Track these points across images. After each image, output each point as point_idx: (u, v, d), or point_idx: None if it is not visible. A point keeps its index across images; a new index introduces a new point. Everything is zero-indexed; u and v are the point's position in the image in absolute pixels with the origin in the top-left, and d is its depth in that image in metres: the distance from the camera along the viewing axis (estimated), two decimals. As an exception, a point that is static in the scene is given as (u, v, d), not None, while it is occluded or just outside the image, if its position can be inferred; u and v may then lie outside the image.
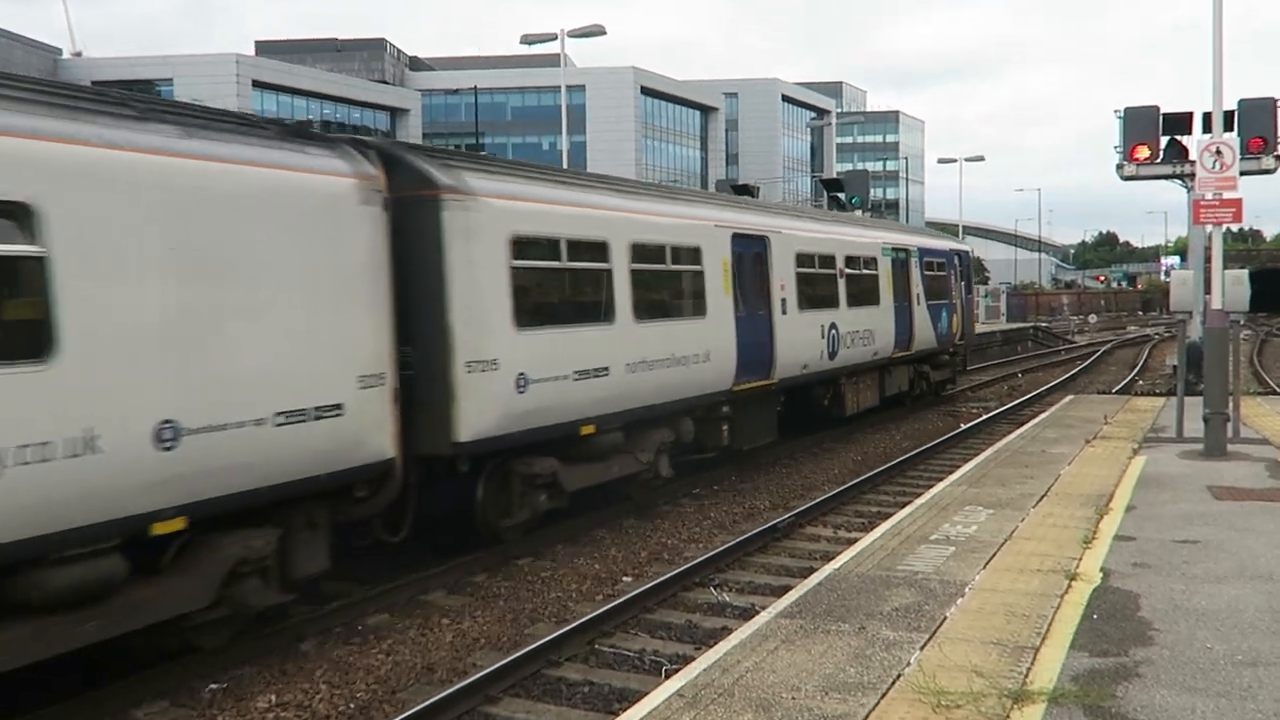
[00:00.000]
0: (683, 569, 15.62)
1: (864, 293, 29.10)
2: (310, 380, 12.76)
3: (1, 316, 10.24)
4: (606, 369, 17.63)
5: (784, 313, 24.21)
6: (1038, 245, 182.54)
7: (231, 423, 11.80)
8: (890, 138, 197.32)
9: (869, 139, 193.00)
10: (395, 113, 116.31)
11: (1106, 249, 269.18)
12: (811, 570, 15.61)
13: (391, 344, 13.96)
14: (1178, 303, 28.31)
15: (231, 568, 12.19)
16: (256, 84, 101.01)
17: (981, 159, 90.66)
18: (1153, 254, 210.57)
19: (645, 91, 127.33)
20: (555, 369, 16.52)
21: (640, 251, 19.03)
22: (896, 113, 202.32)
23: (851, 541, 17.04)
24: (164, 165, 11.43)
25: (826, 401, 27.89)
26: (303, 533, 13.21)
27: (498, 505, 16.68)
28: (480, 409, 15.16)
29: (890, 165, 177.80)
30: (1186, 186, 31.18)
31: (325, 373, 12.96)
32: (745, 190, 29.10)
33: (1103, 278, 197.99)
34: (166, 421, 11.17)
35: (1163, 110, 31.71)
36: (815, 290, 26.05)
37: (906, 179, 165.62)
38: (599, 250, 17.96)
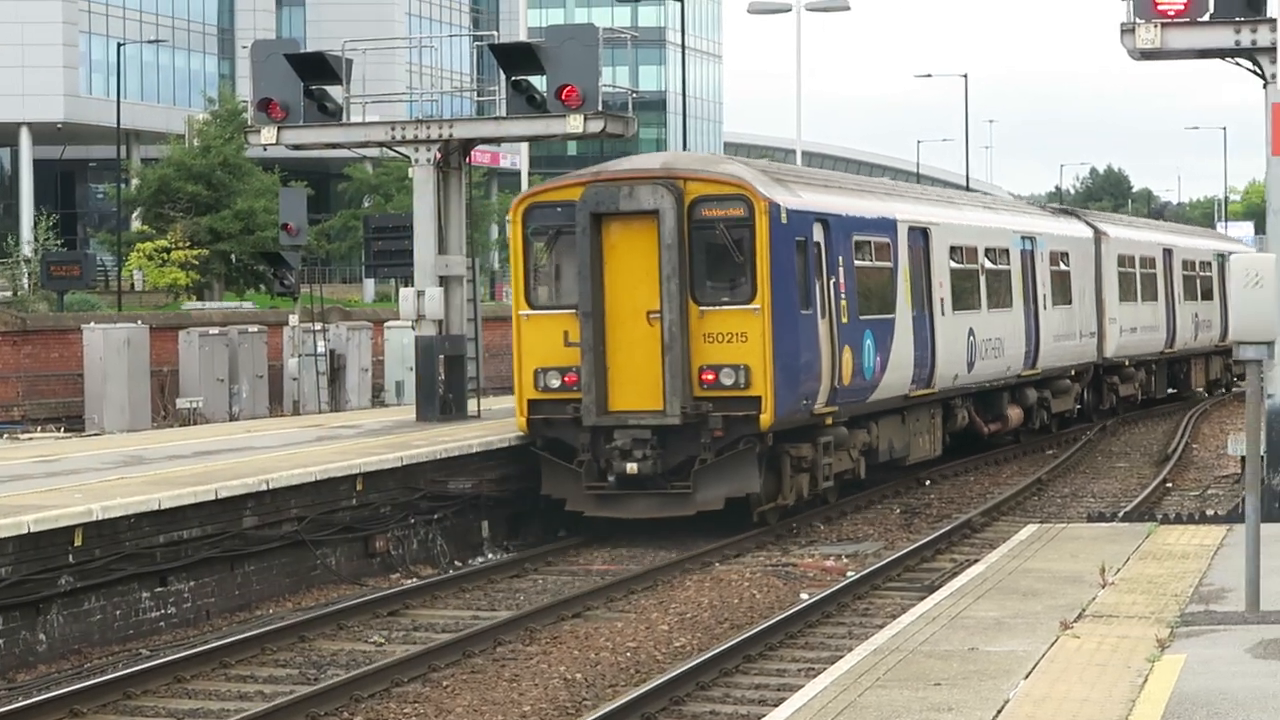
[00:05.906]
0: None
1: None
2: (1091, 321, 33.08)
3: (1057, 289, 31.06)
4: (1135, 329, 36.88)
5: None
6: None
7: (1085, 333, 32.43)
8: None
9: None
10: None
11: (1107, 203, 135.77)
12: None
13: None
14: (1244, 327, 12.62)
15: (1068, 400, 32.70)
16: None
17: (845, 7, 49.07)
18: (1197, 214, 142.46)
19: None
20: (1129, 324, 36.06)
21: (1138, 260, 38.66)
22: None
23: None
24: (1076, 238, 32.63)
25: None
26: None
27: (1095, 406, 35.64)
28: (1111, 341, 34.82)
29: (648, 16, 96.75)
30: (1259, 71, 18.79)
31: (1090, 319, 33.19)
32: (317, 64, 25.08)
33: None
34: (1080, 330, 31.75)
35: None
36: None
37: (684, 47, 69.04)
38: (1151, 262, 38.09)
